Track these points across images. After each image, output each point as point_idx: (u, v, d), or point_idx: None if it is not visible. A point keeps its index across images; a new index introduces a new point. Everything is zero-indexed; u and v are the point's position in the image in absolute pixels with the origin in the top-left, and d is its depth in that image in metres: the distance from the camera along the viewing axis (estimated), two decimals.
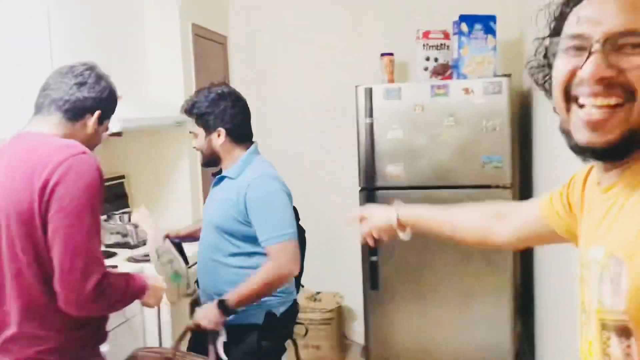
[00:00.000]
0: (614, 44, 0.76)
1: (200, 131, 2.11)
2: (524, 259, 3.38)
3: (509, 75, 3.01)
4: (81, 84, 1.53)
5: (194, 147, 2.15)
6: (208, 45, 3.61)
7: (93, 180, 1.41)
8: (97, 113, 1.55)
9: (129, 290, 1.54)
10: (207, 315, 1.96)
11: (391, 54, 3.38)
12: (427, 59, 3.27)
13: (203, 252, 2.14)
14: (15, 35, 2.21)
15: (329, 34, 3.79)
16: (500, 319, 3.08)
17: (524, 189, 3.39)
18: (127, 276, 1.57)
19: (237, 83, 3.94)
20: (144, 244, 2.86)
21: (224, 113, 2.08)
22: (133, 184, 3.32)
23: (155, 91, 3.18)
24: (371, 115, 3.08)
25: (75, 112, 1.53)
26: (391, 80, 3.34)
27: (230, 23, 3.93)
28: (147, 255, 2.61)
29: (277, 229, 2.01)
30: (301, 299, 3.76)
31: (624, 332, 0.76)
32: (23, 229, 1.39)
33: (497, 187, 3.01)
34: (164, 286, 1.71)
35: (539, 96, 2.91)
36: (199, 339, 2.07)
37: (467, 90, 3.00)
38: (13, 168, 1.43)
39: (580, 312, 0.87)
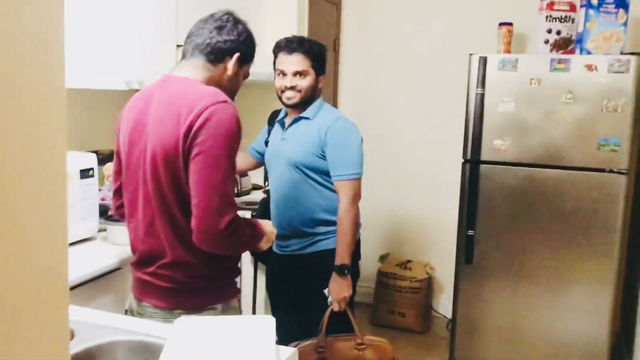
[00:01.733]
0: None
1: (312, 72, 2.24)
2: (633, 248, 3.19)
3: (638, 54, 2.81)
4: (220, 28, 1.62)
5: (293, 86, 2.22)
6: (322, 4, 3.63)
7: (232, 127, 1.49)
8: (236, 55, 1.63)
9: (254, 234, 1.64)
10: (341, 288, 2.16)
11: (510, 24, 3.24)
12: (549, 31, 3.10)
13: (282, 189, 2.28)
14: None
15: (445, 1, 3.68)
16: (598, 309, 2.94)
17: None
18: (252, 221, 1.67)
19: (348, 45, 3.95)
20: (248, 193, 2.98)
21: (326, 62, 2.31)
22: (243, 136, 3.43)
23: (268, 46, 3.24)
24: (483, 86, 2.99)
25: (216, 55, 1.61)
26: (507, 52, 3.20)
27: None
28: (251, 203, 2.74)
29: (350, 166, 2.22)
30: (391, 265, 3.79)
31: None
32: (168, 168, 1.50)
33: (612, 171, 2.84)
34: (274, 229, 1.78)
35: None
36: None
37: (589, 67, 2.82)
38: (161, 111, 1.53)
39: None
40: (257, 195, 3.00)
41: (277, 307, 2.47)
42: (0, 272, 0.52)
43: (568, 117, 2.87)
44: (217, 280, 1.63)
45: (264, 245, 1.73)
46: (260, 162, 2.55)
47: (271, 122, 2.47)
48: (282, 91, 2.25)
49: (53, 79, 0.58)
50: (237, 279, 1.74)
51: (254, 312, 2.63)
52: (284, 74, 2.23)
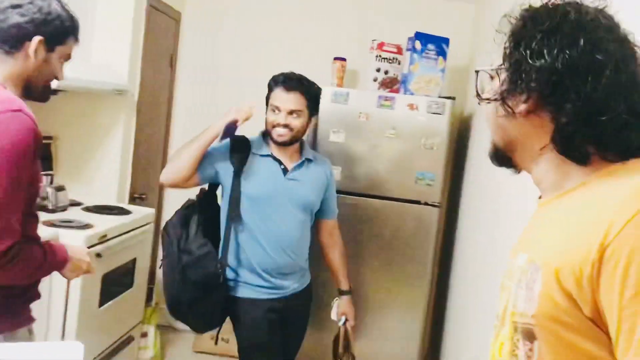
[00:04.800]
0: None
1: (306, 112, 2.24)
2: (443, 275, 3.47)
3: (453, 98, 3.10)
4: (14, 7, 1.38)
5: (287, 124, 2.19)
6: (160, 18, 3.51)
7: (22, 139, 1.31)
8: (36, 39, 1.40)
9: (47, 261, 1.47)
10: (350, 308, 2.50)
11: (344, 59, 3.41)
12: (378, 70, 3.32)
13: (291, 231, 2.26)
14: None
15: (284, 30, 3.77)
16: (409, 332, 3.13)
17: (450, 208, 3.49)
18: (47, 247, 1.48)
19: (186, 62, 3.86)
20: (64, 209, 2.74)
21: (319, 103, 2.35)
22: (60, 147, 3.16)
23: (98, 55, 3.05)
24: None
25: (12, 42, 1.39)
26: (340, 85, 3.36)
27: (186, 0, 3.84)
28: (65, 221, 2.51)
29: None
30: None
31: (529, 335, 0.81)
32: None
33: (427, 204, 3.07)
34: (87, 258, 1.63)
35: (477, 123, 3.02)
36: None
37: (411, 106, 3.06)
38: None
39: (496, 316, 0.93)
40: (74, 213, 2.76)
41: (275, 351, 2.31)
42: None
43: (391, 151, 3.07)
44: (2, 307, 1.44)
45: (68, 273, 1.56)
46: (199, 182, 2.25)
47: (236, 150, 2.22)
48: (273, 127, 2.20)
49: None
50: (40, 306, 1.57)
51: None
52: (278, 110, 2.19)
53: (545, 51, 0.82)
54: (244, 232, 2.19)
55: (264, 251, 2.20)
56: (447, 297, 3.28)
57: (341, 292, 2.52)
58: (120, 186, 3.22)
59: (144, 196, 3.45)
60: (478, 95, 0.96)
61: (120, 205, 3.06)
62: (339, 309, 2.52)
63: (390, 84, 3.32)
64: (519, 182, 1.95)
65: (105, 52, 3.09)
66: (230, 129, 2.18)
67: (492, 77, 0.92)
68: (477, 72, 0.96)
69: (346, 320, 2.51)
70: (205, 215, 2.23)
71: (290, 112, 2.20)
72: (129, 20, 3.12)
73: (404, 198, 3.08)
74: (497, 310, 0.93)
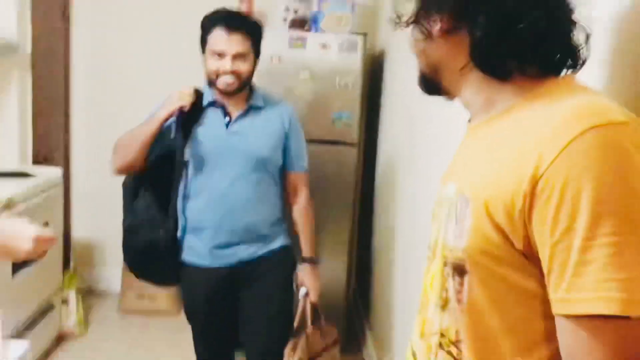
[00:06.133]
0: None
1: (252, 55, 1.99)
2: (365, 212, 3.53)
3: (364, 34, 3.07)
4: None
5: (234, 70, 1.93)
6: None
7: None
8: None
9: None
10: (317, 278, 2.15)
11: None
12: (287, 9, 3.21)
13: (239, 191, 1.99)
14: None
15: None
16: (335, 270, 3.16)
17: (369, 147, 3.52)
18: None
19: (77, 16, 3.60)
20: None
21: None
22: None
23: None
24: None
25: None
26: None
27: None
28: None
29: (306, 157, 2.18)
30: None
31: (460, 270, 0.79)
32: None
33: (345, 144, 3.07)
34: (25, 245, 1.32)
35: (390, 59, 3.02)
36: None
37: (323, 45, 3.00)
38: None
39: (428, 247, 0.90)
40: None
41: (218, 323, 2.14)
42: None
43: (306, 93, 3.02)
44: None
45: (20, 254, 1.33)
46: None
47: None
48: (218, 75, 1.93)
49: None
50: None
51: None
52: (222, 55, 1.92)
53: None
54: (191, 193, 2.05)
55: (208, 214, 2.02)
56: (372, 235, 3.34)
57: (301, 259, 2.19)
58: (21, 149, 3.02)
59: (48, 157, 3.25)
60: (394, 20, 0.90)
61: (23, 169, 2.87)
62: (298, 279, 2.20)
63: (301, 23, 3.23)
64: (432, 113, 1.98)
65: None
66: (178, 118, 1.98)
67: (409, 1, 0.88)
68: None
69: (307, 293, 2.17)
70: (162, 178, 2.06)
71: (236, 56, 1.94)
72: None
73: (322, 139, 3.06)
74: (428, 240, 0.90)
